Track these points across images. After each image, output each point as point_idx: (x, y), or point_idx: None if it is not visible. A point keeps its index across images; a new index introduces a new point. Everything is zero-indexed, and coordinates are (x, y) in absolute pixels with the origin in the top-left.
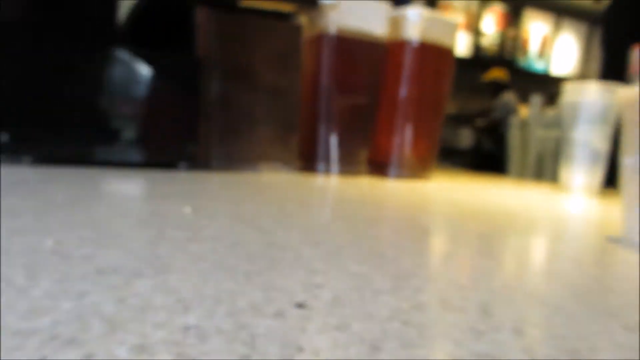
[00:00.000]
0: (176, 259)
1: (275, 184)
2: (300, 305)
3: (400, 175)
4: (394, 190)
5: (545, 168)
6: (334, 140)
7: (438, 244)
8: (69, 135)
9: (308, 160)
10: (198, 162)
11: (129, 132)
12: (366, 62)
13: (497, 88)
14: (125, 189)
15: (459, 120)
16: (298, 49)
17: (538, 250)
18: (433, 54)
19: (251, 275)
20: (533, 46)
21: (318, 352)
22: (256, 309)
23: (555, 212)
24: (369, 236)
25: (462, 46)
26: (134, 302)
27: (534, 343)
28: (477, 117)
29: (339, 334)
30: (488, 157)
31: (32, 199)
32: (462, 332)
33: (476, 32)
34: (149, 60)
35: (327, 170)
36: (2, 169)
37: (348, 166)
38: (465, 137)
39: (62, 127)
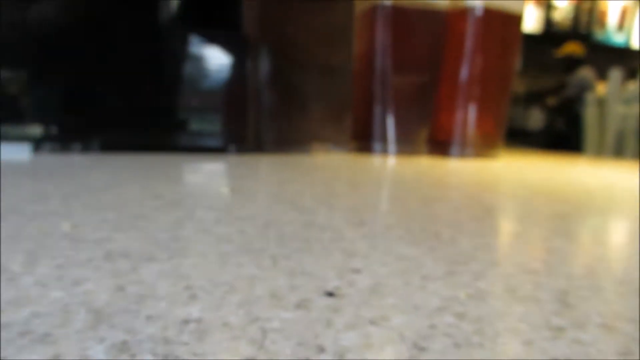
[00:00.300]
0: (197, 242)
1: (327, 165)
2: (330, 294)
3: (464, 154)
4: (456, 169)
5: (627, 146)
6: (390, 119)
7: (504, 224)
8: (117, 121)
9: (363, 140)
10: (248, 144)
11: (177, 117)
12: (425, 33)
13: (572, 64)
14: (166, 172)
15: (529, 99)
16: (350, 23)
17: (625, 231)
18: (498, 23)
19: (278, 258)
20: (611, 18)
21: (343, 354)
22: (276, 299)
23: None
24: (423, 215)
25: (532, 21)
26: (133, 291)
27: (630, 344)
28: (548, 95)
29: (373, 329)
30: (560, 137)
31: (67, 184)
32: (534, 328)
33: (547, 5)
34: (195, 40)
35: (384, 151)
36: (50, 157)
37: (406, 146)
38: (535, 118)
39: (110, 114)
